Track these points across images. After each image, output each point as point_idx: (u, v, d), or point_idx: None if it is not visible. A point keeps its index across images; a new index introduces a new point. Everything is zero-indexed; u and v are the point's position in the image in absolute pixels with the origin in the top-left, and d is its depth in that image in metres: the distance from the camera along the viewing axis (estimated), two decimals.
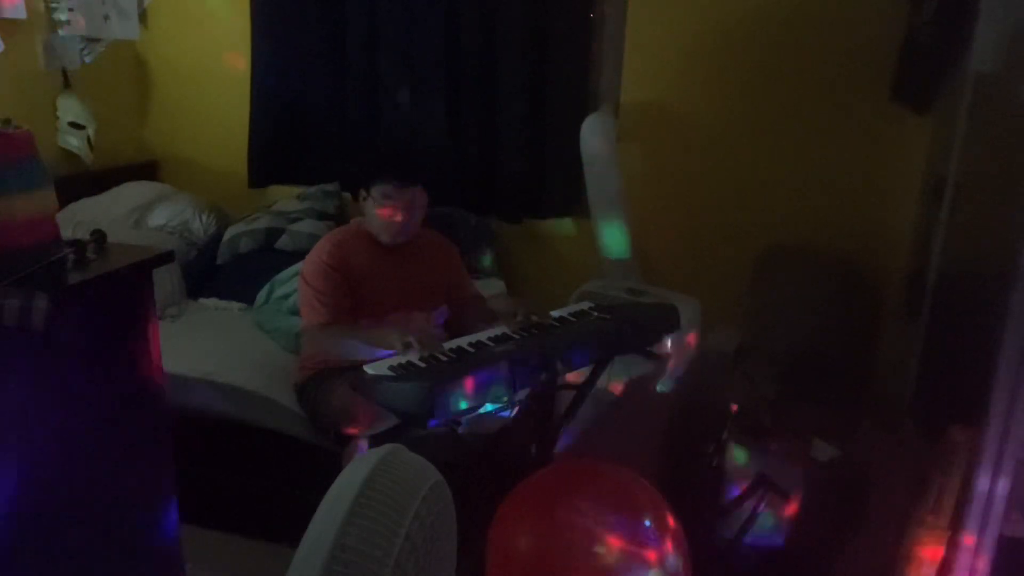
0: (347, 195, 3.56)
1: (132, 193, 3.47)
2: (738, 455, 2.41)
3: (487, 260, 3.31)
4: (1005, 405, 1.59)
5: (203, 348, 2.75)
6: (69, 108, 3.40)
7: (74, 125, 3.40)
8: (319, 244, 2.52)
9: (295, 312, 2.83)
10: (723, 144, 3.14)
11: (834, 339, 2.84)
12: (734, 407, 2.48)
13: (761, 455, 2.41)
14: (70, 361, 1.53)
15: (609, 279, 3.09)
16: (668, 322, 2.39)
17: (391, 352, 2.08)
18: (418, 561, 1.06)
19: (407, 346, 2.05)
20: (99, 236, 1.62)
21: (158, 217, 3.39)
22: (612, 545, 1.65)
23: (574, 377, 2.28)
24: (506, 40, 3.23)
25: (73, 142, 3.41)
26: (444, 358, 2.02)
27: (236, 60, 3.60)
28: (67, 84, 3.44)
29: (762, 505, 2.24)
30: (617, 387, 2.73)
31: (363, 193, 2.46)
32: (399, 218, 2.41)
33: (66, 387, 1.54)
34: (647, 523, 1.71)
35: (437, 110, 3.36)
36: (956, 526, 1.76)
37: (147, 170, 3.82)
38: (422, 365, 1.98)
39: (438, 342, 2.08)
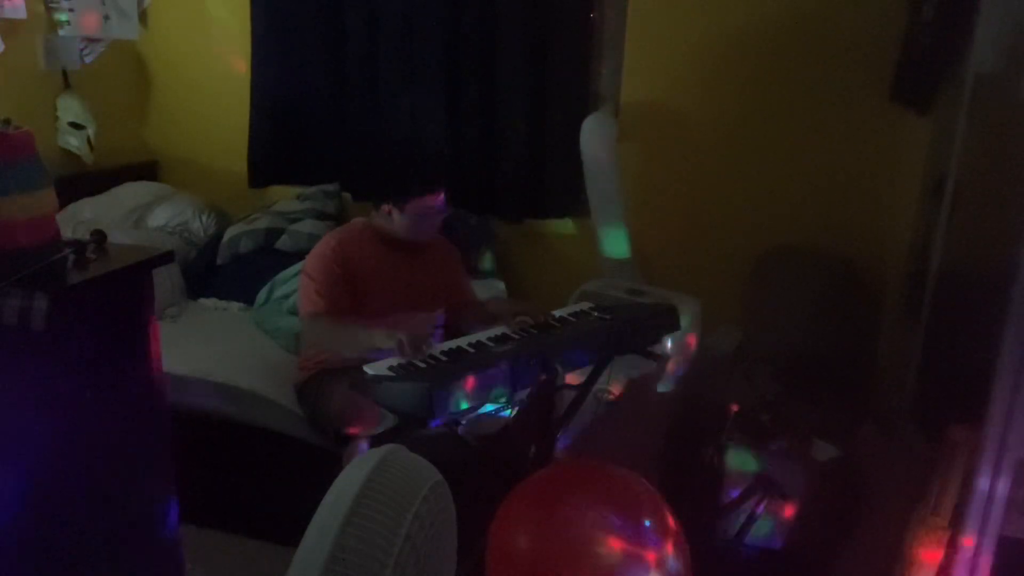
0: (347, 195, 3.57)
1: (132, 193, 3.47)
2: (738, 455, 2.41)
3: (487, 260, 3.31)
4: (1005, 405, 1.59)
5: (203, 348, 2.75)
6: (69, 108, 3.40)
7: (74, 125, 3.40)
8: (323, 240, 2.53)
9: (295, 312, 2.82)
10: (723, 144, 3.14)
11: (834, 339, 2.84)
12: (734, 407, 2.48)
13: (761, 455, 2.41)
14: (70, 361, 1.53)
15: (609, 279, 3.09)
16: (668, 322, 2.39)
17: (388, 351, 2.08)
18: (418, 561, 1.06)
19: (400, 344, 2.04)
20: (99, 236, 1.62)
21: (158, 217, 3.39)
22: (612, 545, 1.65)
23: (574, 377, 2.28)
24: (506, 40, 3.23)
25: (73, 142, 3.41)
26: (444, 358, 2.02)
27: (236, 60, 3.60)
28: (67, 84, 3.44)
29: (762, 505, 2.24)
30: (617, 387, 2.73)
31: (386, 206, 2.46)
32: (432, 225, 2.48)
33: (66, 387, 1.54)
34: (647, 523, 1.71)
35: (437, 110, 3.36)
36: (956, 526, 1.76)
37: (147, 170, 3.82)
38: (422, 365, 1.98)
39: (427, 344, 2.08)
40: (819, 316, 2.84)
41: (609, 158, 3.01)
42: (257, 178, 3.68)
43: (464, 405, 1.86)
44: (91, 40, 3.41)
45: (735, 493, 2.32)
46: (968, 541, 1.69)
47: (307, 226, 3.35)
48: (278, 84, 3.54)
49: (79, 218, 3.10)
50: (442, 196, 2.47)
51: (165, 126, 3.89)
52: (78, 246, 1.56)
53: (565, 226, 3.41)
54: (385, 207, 2.48)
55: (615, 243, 3.11)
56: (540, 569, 1.68)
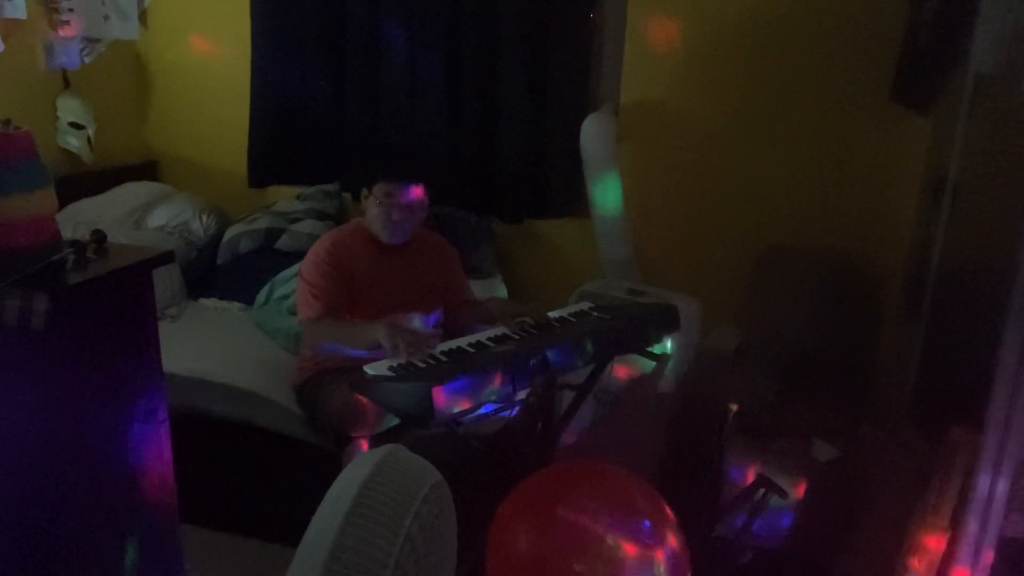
0: (347, 195, 3.57)
1: (132, 193, 3.47)
2: (738, 455, 2.41)
3: (487, 260, 3.31)
4: (1005, 405, 1.59)
5: (203, 348, 2.75)
6: (69, 108, 3.40)
7: (74, 125, 3.40)
8: (318, 242, 2.53)
9: (295, 312, 2.83)
10: (723, 144, 3.14)
11: (834, 339, 2.84)
12: (734, 407, 2.48)
13: (761, 455, 2.41)
14: (70, 361, 1.53)
15: (609, 279, 3.09)
16: (668, 322, 2.39)
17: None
18: (418, 561, 1.07)
19: (396, 347, 2.04)
20: (99, 236, 1.62)
21: (158, 217, 3.39)
22: (612, 545, 1.65)
23: (574, 377, 2.29)
24: (506, 40, 3.23)
25: (73, 142, 3.41)
26: (444, 358, 2.02)
27: (236, 60, 3.60)
28: (67, 84, 3.44)
29: (762, 505, 2.24)
30: (617, 387, 2.73)
31: (364, 192, 2.46)
32: (399, 217, 2.42)
33: (66, 387, 1.54)
34: (647, 523, 1.71)
35: (437, 110, 3.36)
36: (956, 526, 1.76)
37: (147, 170, 3.82)
38: (422, 365, 1.98)
39: (427, 344, 2.08)
40: (819, 316, 2.84)
41: (609, 158, 3.01)
42: (257, 178, 3.68)
43: (464, 405, 1.86)
44: (91, 40, 3.41)
45: (735, 493, 2.32)
46: (968, 541, 1.69)
47: (307, 226, 3.34)
48: (278, 84, 3.54)
49: (79, 218, 3.10)
50: (415, 192, 2.43)
51: (165, 126, 3.89)
52: (78, 246, 1.56)
53: (565, 226, 3.41)
54: (364, 192, 2.47)
55: (614, 241, 3.12)
56: (540, 569, 1.68)
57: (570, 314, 2.37)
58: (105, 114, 3.53)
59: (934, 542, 1.82)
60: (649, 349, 2.41)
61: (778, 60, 2.99)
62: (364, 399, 2.11)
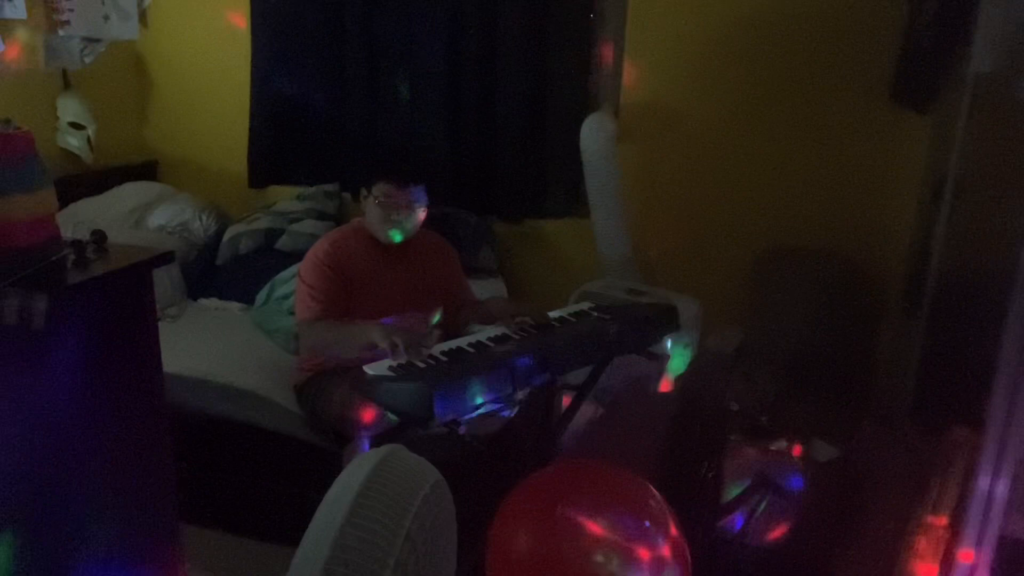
0: (347, 195, 3.57)
1: (132, 193, 3.47)
2: (738, 455, 2.41)
3: (487, 260, 3.31)
4: (1005, 405, 1.59)
5: (203, 348, 2.75)
6: (69, 108, 3.40)
7: (74, 125, 3.40)
8: (318, 242, 2.52)
9: (295, 312, 2.83)
10: (723, 144, 3.14)
11: (834, 339, 2.84)
12: (734, 407, 2.48)
13: (761, 455, 2.41)
14: (70, 361, 1.53)
15: (609, 279, 3.09)
16: (668, 322, 2.39)
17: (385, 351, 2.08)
18: (418, 561, 1.07)
19: (393, 346, 2.04)
20: (99, 236, 1.62)
21: (158, 217, 3.39)
22: (612, 545, 1.65)
23: (574, 377, 2.29)
24: (507, 40, 3.23)
25: (73, 142, 3.41)
26: (444, 358, 2.02)
27: (236, 60, 3.60)
28: (67, 84, 3.44)
29: (762, 505, 2.24)
30: (617, 387, 2.73)
31: (364, 192, 2.46)
32: (399, 217, 2.42)
33: (66, 387, 1.53)
34: (647, 523, 1.71)
35: (437, 110, 3.36)
36: (956, 526, 1.76)
37: (147, 170, 3.82)
38: (422, 365, 1.98)
39: (424, 344, 2.08)
40: (819, 316, 2.84)
41: (609, 158, 3.01)
42: (257, 178, 3.69)
43: (464, 405, 1.86)
44: (91, 40, 3.41)
45: (735, 493, 2.32)
46: (968, 541, 1.69)
47: (307, 226, 3.35)
48: (278, 84, 3.54)
49: (79, 218, 3.10)
50: (415, 192, 2.42)
51: (165, 126, 3.89)
52: (78, 246, 1.56)
53: (565, 226, 3.41)
54: (364, 192, 2.46)
55: (614, 242, 3.11)
56: (540, 569, 1.68)
57: (570, 314, 2.37)
58: (105, 114, 3.53)
59: (934, 542, 1.82)
60: (649, 349, 2.41)
61: (778, 60, 2.99)
62: (364, 399, 2.11)
